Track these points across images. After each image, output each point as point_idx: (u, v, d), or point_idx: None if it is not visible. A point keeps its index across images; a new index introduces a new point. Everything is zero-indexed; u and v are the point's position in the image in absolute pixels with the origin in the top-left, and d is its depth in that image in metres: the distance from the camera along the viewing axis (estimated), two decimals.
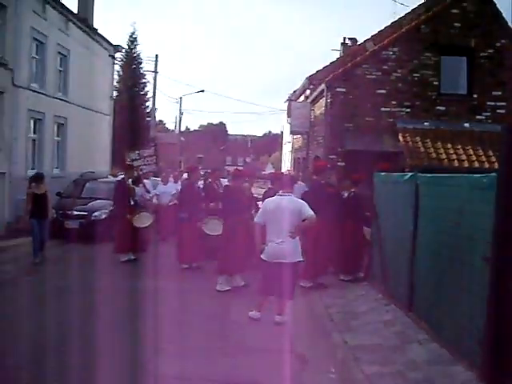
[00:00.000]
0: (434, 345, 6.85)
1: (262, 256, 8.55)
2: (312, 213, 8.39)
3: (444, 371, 6.04)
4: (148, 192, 15.83)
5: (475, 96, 18.59)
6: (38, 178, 13.34)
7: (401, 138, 17.67)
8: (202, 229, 12.32)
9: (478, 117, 18.52)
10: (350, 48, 28.42)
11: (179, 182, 17.48)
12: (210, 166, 19.72)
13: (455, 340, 6.42)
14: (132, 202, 13.87)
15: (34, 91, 19.95)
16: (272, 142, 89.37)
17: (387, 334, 7.60)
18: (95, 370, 6.39)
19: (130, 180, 14.24)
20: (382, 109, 18.52)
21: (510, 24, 18.75)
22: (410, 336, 7.35)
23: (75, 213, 16.50)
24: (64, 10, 22.19)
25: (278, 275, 8.29)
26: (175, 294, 10.16)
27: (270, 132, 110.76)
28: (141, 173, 16.45)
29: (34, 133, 20.62)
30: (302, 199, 9.30)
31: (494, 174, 5.93)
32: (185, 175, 19.51)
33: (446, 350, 6.56)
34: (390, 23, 24.35)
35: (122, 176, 15.01)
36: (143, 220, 13.86)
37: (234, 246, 10.59)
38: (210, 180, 14.36)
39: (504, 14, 18.76)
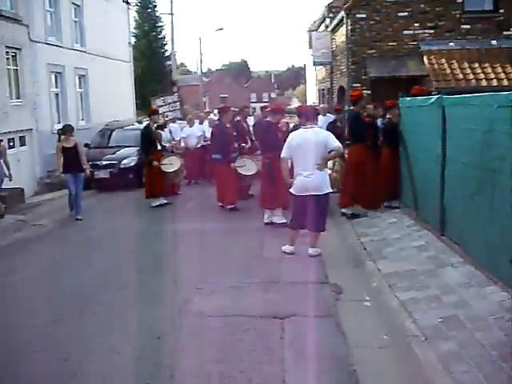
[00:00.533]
0: (468, 267, 6.84)
1: (291, 190, 8.56)
2: (338, 143, 8.33)
3: (479, 293, 6.05)
4: (173, 138, 15.78)
5: (502, 11, 17.91)
6: (66, 131, 12.92)
7: (426, 60, 17.24)
8: (236, 169, 12.38)
9: (505, 33, 17.88)
10: None
11: (204, 123, 17.42)
12: (235, 105, 19.57)
13: (489, 261, 6.40)
14: (159, 147, 13.90)
15: (52, 45, 19.85)
16: (296, 75, 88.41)
17: (421, 259, 7.61)
18: (135, 310, 6.60)
19: (156, 125, 14.22)
20: (405, 32, 18.05)
21: None
22: (444, 260, 7.35)
23: (104, 162, 16.65)
24: None
25: (308, 208, 8.31)
26: (209, 233, 10.31)
27: (293, 66, 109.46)
28: (166, 119, 16.45)
29: (56, 87, 20.63)
30: (329, 130, 9.22)
31: None
32: (211, 115, 19.48)
33: (481, 271, 6.55)
34: None
35: (148, 122, 14.99)
36: (172, 164, 13.92)
37: (275, 181, 10.50)
38: (238, 118, 14.28)
39: None
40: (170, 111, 17.30)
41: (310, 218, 8.38)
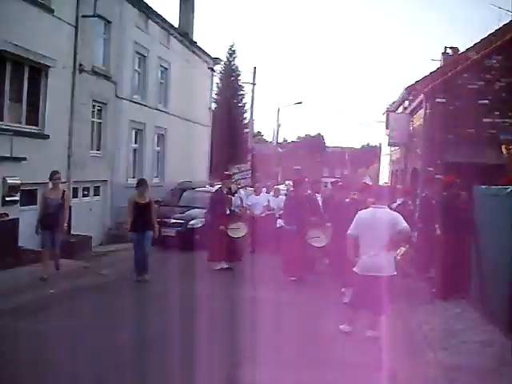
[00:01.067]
0: None
1: (354, 269, 8.38)
2: (406, 225, 8.16)
3: None
4: (242, 206, 15.88)
5: None
6: (140, 185, 12.24)
7: (504, 150, 16.91)
8: (306, 240, 12.39)
9: None
10: (451, 57, 27.58)
11: (271, 193, 17.51)
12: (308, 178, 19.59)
13: None
14: (228, 212, 14.00)
15: (136, 103, 20.67)
16: (370, 153, 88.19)
17: (484, 355, 7.23)
18: (182, 373, 6.51)
19: (227, 189, 14.33)
20: (484, 120, 17.79)
21: None
22: (509, 359, 6.96)
23: (172, 221, 16.89)
24: (165, 25, 22.89)
25: (370, 289, 8.09)
26: (268, 304, 10.15)
27: (368, 144, 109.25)
28: (239, 186, 16.63)
29: (135, 143, 21.35)
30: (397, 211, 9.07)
31: None
32: (281, 186, 19.53)
33: None
34: (493, 31, 23.42)
35: (219, 185, 15.15)
36: (238, 230, 13.99)
37: None
38: (309, 191, 14.32)
39: None
40: (243, 178, 17.53)
41: (373, 299, 8.15)
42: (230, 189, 14.55)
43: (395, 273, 8.34)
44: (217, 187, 15.98)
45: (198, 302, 10.34)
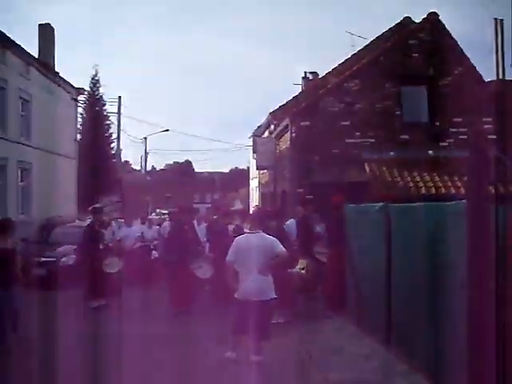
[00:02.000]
0: (417, 376, 6.75)
1: (235, 295, 8.40)
2: (283, 248, 8.32)
3: None
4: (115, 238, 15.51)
5: (437, 124, 18.86)
6: (4, 227, 9.42)
7: (367, 168, 17.79)
8: (193, 272, 12.26)
9: (441, 144, 18.76)
10: (312, 82, 28.77)
11: (146, 224, 17.18)
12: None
13: (438, 370, 6.34)
14: (102, 247, 13.63)
15: None
16: (239, 177, 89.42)
17: (368, 368, 7.48)
18: None
19: (98, 223, 13.94)
20: (347, 140, 18.69)
21: (465, 52, 19.21)
22: (392, 369, 7.24)
23: (42, 259, 16.12)
24: (24, 55, 22.14)
25: (251, 314, 8.13)
26: (151, 338, 9.90)
27: (236, 168, 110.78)
28: (111, 219, 16.25)
29: None
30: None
31: (464, 200, 5.95)
32: (151, 216, 19.29)
33: (430, 381, 6.47)
34: (349, 56, 24.76)
35: (91, 220, 14.70)
36: (113, 265, 13.65)
37: None
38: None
39: (459, 43, 19.24)
40: (114, 210, 17.17)
41: (254, 324, 8.18)
42: (101, 222, 14.16)
43: (274, 296, 8.42)
44: (88, 221, 15.49)
45: (76, 344, 9.88)
